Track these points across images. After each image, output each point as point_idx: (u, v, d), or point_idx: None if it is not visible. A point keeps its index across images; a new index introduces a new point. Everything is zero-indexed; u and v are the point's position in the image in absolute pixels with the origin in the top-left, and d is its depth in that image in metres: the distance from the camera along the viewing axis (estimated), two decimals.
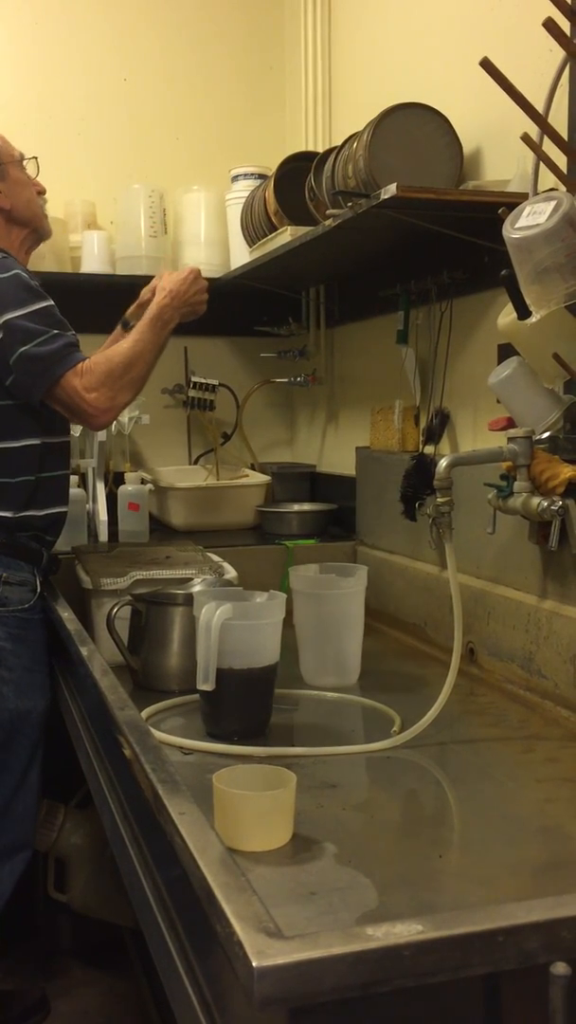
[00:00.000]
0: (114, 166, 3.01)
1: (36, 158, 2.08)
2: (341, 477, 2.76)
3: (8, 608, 1.93)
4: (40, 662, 1.97)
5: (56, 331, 1.86)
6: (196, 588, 1.82)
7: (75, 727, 1.76)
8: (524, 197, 1.64)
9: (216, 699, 1.46)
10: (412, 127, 1.97)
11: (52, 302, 1.91)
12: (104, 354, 1.91)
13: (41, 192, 2.10)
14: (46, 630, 2.00)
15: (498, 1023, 0.81)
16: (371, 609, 2.01)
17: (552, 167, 1.55)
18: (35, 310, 1.86)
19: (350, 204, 1.93)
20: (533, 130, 1.55)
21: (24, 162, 2.06)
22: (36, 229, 2.10)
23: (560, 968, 0.74)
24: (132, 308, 2.13)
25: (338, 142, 2.18)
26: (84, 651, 1.62)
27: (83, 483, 2.68)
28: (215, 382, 2.98)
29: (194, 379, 2.97)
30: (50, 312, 1.88)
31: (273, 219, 2.46)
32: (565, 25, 1.42)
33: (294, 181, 2.39)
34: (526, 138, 1.54)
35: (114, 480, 2.81)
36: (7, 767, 1.93)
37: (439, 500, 1.54)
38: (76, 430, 2.41)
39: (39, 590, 1.99)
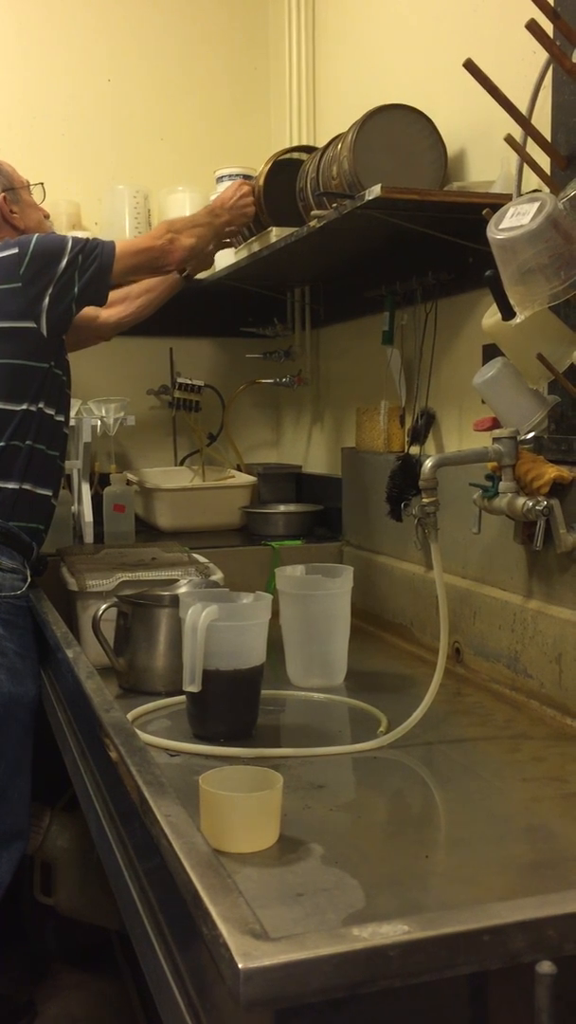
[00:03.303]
0: (98, 167, 3.00)
1: (42, 184, 2.24)
2: (327, 478, 2.76)
3: (0, 593, 1.94)
4: (30, 649, 1.98)
5: (81, 246, 1.99)
6: (182, 589, 1.81)
7: (61, 729, 1.75)
8: (508, 198, 1.65)
9: (202, 701, 1.46)
10: (396, 128, 1.97)
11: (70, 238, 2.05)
12: None
13: (46, 216, 2.27)
14: (33, 620, 2.01)
15: (484, 1022, 0.81)
16: (357, 610, 2.02)
17: (536, 168, 1.55)
18: (71, 256, 2.00)
19: (335, 205, 1.93)
20: (517, 131, 1.56)
21: (31, 188, 2.21)
22: None
23: (546, 967, 0.74)
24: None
25: (323, 143, 2.18)
26: (70, 653, 1.62)
27: (68, 485, 2.67)
28: (200, 383, 2.98)
29: (179, 380, 2.97)
30: (76, 241, 2.02)
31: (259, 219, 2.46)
32: (548, 27, 1.42)
33: (279, 182, 2.39)
34: (510, 139, 1.55)
35: (99, 481, 2.80)
36: (1, 752, 1.93)
37: (424, 500, 1.55)
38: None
39: (29, 580, 2.01)
